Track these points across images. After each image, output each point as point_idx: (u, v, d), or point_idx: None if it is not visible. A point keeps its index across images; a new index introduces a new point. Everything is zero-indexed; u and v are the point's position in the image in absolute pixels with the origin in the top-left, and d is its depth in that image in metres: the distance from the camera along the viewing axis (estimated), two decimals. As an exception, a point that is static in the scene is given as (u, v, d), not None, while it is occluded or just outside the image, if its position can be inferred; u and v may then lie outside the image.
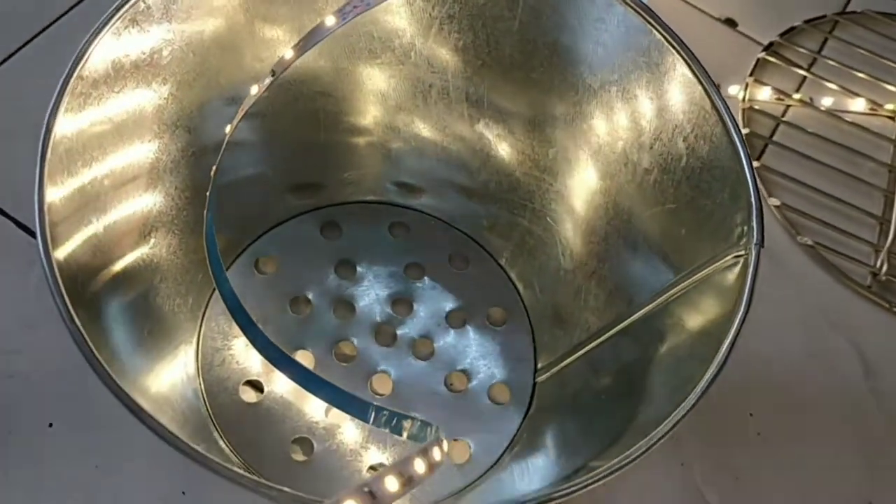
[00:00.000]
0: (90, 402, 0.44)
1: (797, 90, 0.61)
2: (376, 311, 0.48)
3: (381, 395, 0.46)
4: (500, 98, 0.44)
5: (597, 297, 0.44)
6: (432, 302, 0.49)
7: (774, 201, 0.55)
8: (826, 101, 0.60)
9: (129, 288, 0.41)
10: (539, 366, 0.47)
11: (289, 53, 0.38)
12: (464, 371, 0.47)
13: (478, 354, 0.48)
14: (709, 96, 0.36)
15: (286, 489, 0.27)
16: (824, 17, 0.65)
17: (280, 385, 0.45)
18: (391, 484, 0.28)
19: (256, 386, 0.45)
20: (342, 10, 0.37)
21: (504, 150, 0.46)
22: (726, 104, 0.35)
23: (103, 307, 0.39)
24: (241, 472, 0.28)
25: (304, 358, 0.46)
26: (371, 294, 0.49)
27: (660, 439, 0.29)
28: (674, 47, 0.36)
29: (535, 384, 0.47)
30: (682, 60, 0.36)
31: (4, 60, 0.55)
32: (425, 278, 0.49)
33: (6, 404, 0.44)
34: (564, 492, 0.28)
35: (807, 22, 0.64)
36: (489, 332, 0.48)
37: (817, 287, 0.54)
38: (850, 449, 0.49)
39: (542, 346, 0.48)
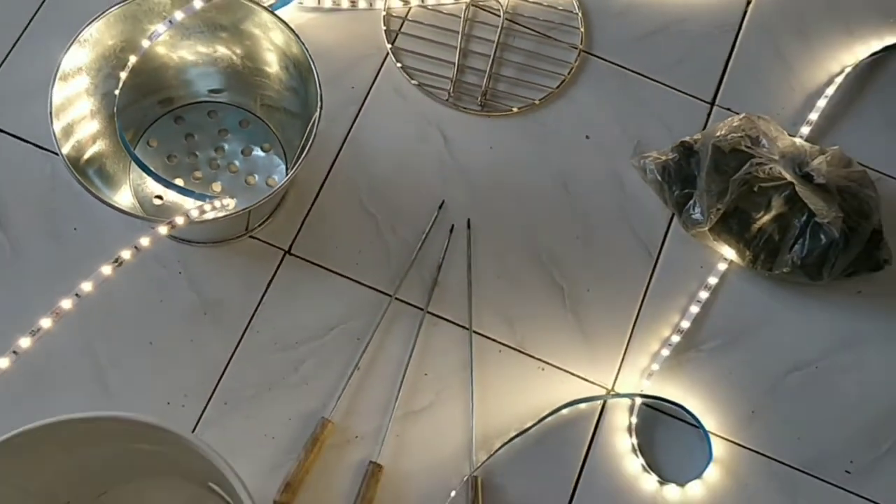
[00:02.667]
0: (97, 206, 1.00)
1: (416, -3, 1.14)
2: (207, 155, 1.04)
3: (216, 191, 1.02)
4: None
5: (296, 129, 0.99)
6: (234, 145, 1.04)
7: (398, 64, 1.10)
8: (431, 1, 1.14)
9: (95, 162, 0.96)
10: (288, 164, 1.04)
11: (146, 42, 0.91)
12: (253, 174, 1.04)
13: (259, 165, 1.04)
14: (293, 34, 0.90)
15: (157, 218, 0.84)
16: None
17: (170, 196, 1.01)
18: (179, 218, 0.84)
19: (160, 197, 1.02)
20: (168, 21, 0.90)
21: (245, 70, 1.01)
22: (307, 49, 0.90)
23: (88, 172, 0.93)
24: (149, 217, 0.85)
25: (179, 181, 1.02)
26: (204, 145, 1.04)
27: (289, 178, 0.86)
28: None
29: (286, 170, 1.04)
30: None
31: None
32: (229, 134, 1.05)
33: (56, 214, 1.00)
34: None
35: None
36: (263, 154, 1.05)
37: (421, 103, 1.09)
38: (430, 185, 1.07)
39: (289, 155, 1.04)
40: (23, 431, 0.71)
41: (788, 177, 0.98)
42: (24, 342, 0.74)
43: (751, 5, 1.18)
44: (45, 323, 0.74)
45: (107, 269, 0.78)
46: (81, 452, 0.79)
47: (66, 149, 0.88)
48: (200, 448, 0.71)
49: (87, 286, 0.76)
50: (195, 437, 0.72)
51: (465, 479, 0.93)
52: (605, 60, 1.14)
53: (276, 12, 0.92)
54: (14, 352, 0.73)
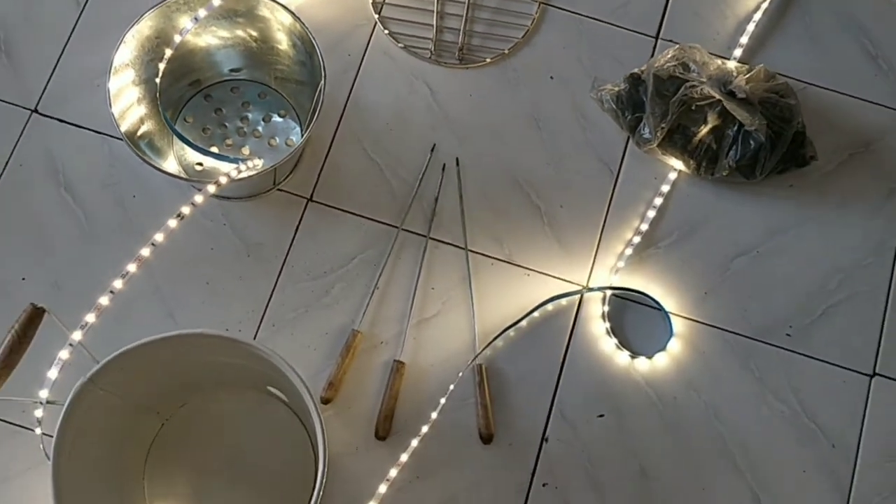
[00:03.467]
0: (149, 176, 1.22)
1: (395, -29, 1.32)
2: (234, 125, 1.24)
3: (245, 154, 1.23)
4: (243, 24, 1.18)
5: (307, 96, 1.19)
6: (256, 114, 1.25)
7: (386, 31, 1.29)
8: (409, -27, 1.32)
9: (145, 137, 1.16)
10: (302, 126, 1.24)
11: (177, 38, 1.11)
12: (274, 137, 1.24)
13: (278, 129, 1.25)
14: (296, 20, 1.10)
15: (200, 181, 1.05)
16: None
17: (208, 162, 1.22)
18: (223, 178, 1.06)
19: (200, 164, 1.23)
20: (195, 17, 1.10)
21: (259, 49, 1.21)
22: (306, 26, 1.09)
23: (142, 148, 1.14)
24: (191, 180, 1.06)
25: (214, 148, 1.23)
26: (231, 117, 1.25)
27: (303, 145, 1.07)
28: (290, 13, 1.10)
29: (301, 131, 1.24)
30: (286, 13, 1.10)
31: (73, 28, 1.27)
32: (251, 105, 1.25)
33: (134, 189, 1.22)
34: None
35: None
36: (281, 120, 1.25)
37: (408, 62, 1.29)
38: (422, 132, 1.27)
39: (302, 118, 1.25)
40: (128, 350, 0.93)
41: (716, 95, 1.17)
42: (118, 283, 0.95)
43: (685, -53, 1.36)
44: (132, 268, 0.96)
45: (172, 223, 0.99)
46: (171, 368, 1.02)
47: (123, 129, 1.09)
48: (268, 354, 0.93)
49: (159, 237, 0.98)
50: (263, 345, 0.94)
51: (469, 363, 1.16)
52: (562, 9, 1.33)
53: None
54: (111, 291, 0.95)
